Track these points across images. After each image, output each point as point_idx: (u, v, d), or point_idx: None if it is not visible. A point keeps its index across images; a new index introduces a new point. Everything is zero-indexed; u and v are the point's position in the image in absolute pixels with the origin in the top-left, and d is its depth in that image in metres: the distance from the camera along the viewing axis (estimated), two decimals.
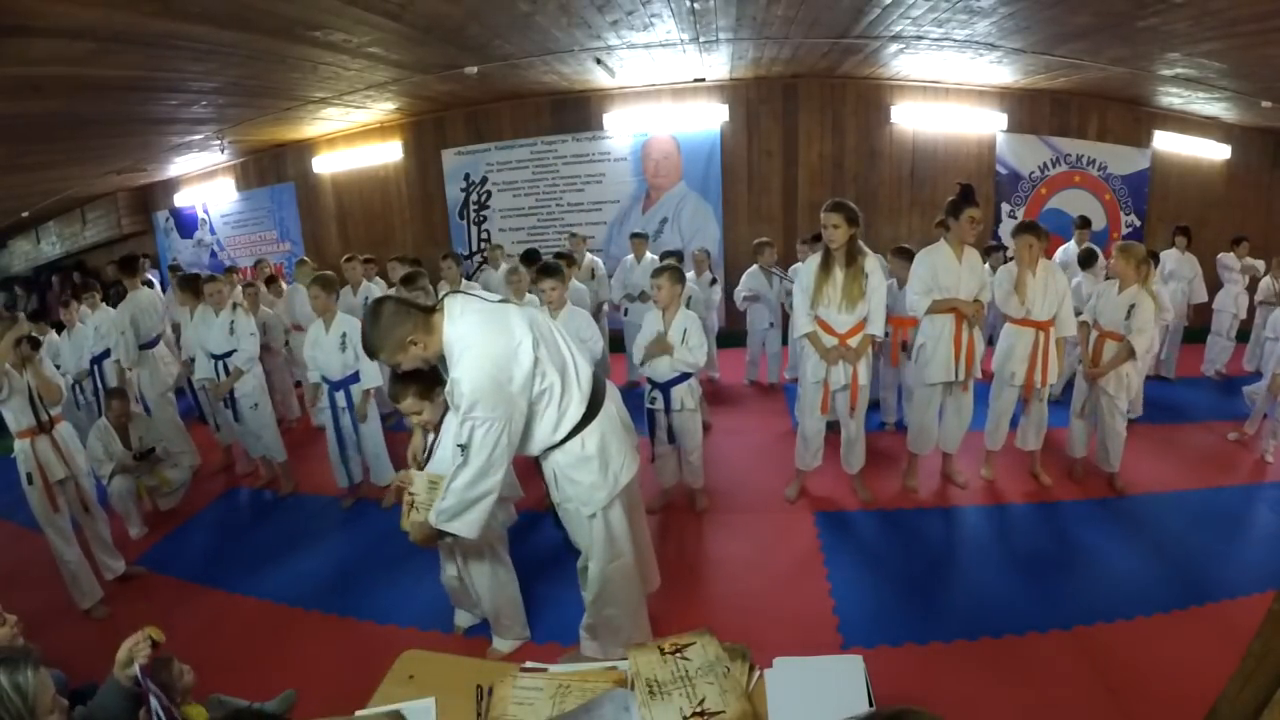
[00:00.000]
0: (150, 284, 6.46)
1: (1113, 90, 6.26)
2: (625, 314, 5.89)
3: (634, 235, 6.08)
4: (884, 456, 4.18)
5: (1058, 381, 4.10)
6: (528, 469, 2.52)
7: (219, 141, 6.78)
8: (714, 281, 5.97)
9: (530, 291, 4.14)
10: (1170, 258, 5.89)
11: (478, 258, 7.68)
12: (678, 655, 1.33)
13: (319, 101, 6.08)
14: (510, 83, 6.36)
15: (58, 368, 4.61)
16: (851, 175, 7.12)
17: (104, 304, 5.32)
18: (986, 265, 3.73)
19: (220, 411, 4.56)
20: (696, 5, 4.39)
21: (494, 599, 2.58)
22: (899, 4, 4.30)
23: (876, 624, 2.71)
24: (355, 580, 3.31)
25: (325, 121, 7.21)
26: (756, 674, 1.33)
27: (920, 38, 5.08)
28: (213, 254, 9.15)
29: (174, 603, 3.23)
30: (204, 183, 8.81)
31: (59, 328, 5.42)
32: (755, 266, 5.60)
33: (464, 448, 1.97)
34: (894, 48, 5.41)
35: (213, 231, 9.13)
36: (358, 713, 1.36)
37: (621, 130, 7.20)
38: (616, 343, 5.75)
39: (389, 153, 7.80)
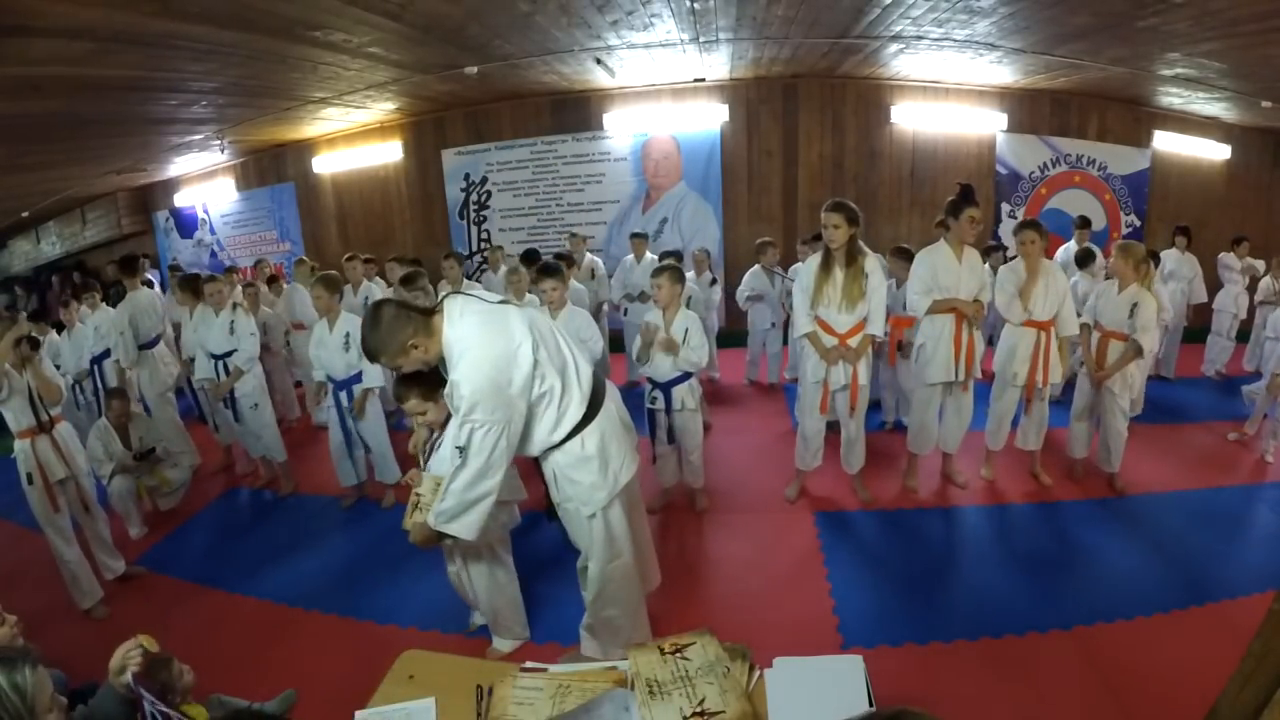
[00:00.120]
0: (150, 284, 6.46)
1: (1113, 90, 6.26)
2: (625, 314, 5.89)
3: (634, 235, 6.08)
4: (884, 456, 4.18)
5: (1060, 381, 4.10)
6: (528, 469, 2.52)
7: (219, 141, 6.78)
8: (714, 281, 5.97)
9: (530, 291, 4.14)
10: (1170, 258, 5.89)
11: (477, 259, 7.68)
12: (678, 655, 1.33)
13: (319, 101, 6.08)
14: (510, 83, 6.36)
15: (58, 368, 4.61)
16: (851, 175, 7.12)
17: (104, 304, 5.32)
18: (986, 265, 3.73)
19: (220, 411, 4.56)
20: (696, 5, 4.39)
21: (491, 599, 2.58)
22: (899, 4, 4.30)
23: (876, 624, 2.71)
24: (355, 580, 3.31)
25: (325, 121, 7.22)
26: (756, 674, 1.33)
27: (920, 38, 5.08)
28: (213, 254, 9.15)
29: (174, 603, 3.23)
30: (204, 183, 8.81)
31: (59, 328, 5.42)
32: (757, 266, 5.60)
33: (462, 450, 1.96)
34: (894, 48, 5.41)
35: (213, 231, 9.13)
36: (358, 713, 1.36)
37: (621, 130, 7.20)
38: (616, 343, 5.75)
39: (389, 153, 7.80)
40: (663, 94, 6.98)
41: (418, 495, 2.26)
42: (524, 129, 7.42)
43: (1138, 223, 7.07)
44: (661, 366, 3.45)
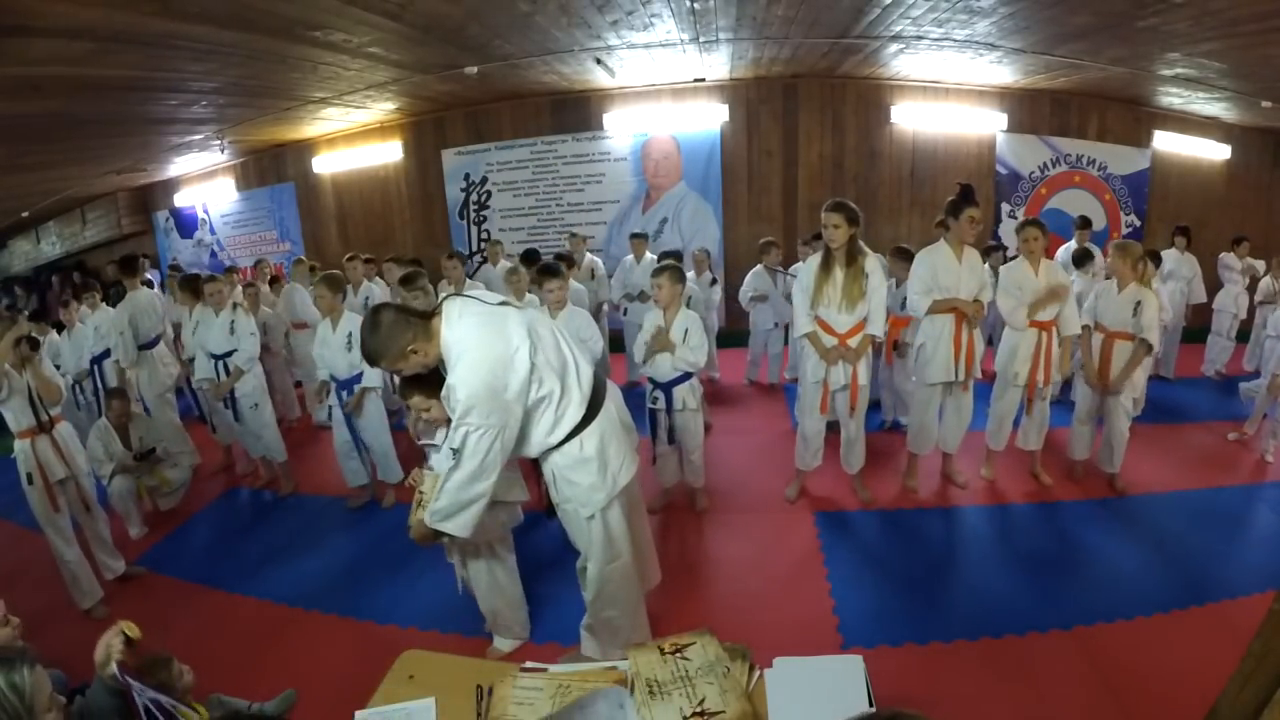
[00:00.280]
0: (150, 284, 6.46)
1: (1113, 90, 6.26)
2: (625, 314, 5.89)
3: (634, 235, 6.07)
4: (884, 456, 4.18)
5: (1059, 379, 4.10)
6: (529, 468, 2.52)
7: (219, 141, 6.78)
8: (714, 281, 5.97)
9: (530, 291, 4.13)
10: (1169, 258, 5.89)
11: (477, 257, 7.67)
12: (678, 655, 1.33)
13: (319, 101, 6.08)
14: (510, 83, 6.36)
15: (58, 368, 4.60)
16: (851, 175, 7.12)
17: (104, 304, 5.32)
18: (986, 265, 3.73)
19: (219, 412, 4.56)
20: (696, 5, 4.39)
21: (490, 599, 2.58)
22: (899, 4, 4.30)
23: (876, 624, 2.71)
24: (355, 580, 3.31)
25: (325, 121, 7.22)
26: (756, 674, 1.33)
27: (920, 38, 5.08)
28: (213, 254, 9.15)
29: (174, 603, 3.23)
30: (204, 183, 8.81)
31: (59, 328, 5.42)
32: (760, 266, 5.61)
33: (456, 452, 1.96)
34: (894, 48, 5.41)
35: (213, 231, 9.13)
36: (358, 713, 1.36)
37: (621, 130, 7.20)
38: (616, 343, 5.75)
39: (389, 153, 7.80)
40: (663, 94, 6.98)
41: (420, 493, 2.27)
42: (524, 129, 7.42)
43: (1138, 223, 7.06)
44: (662, 367, 3.45)
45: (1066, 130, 6.91)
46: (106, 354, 5.03)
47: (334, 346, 3.86)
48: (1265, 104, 5.66)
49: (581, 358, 2.20)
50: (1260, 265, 5.83)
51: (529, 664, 1.42)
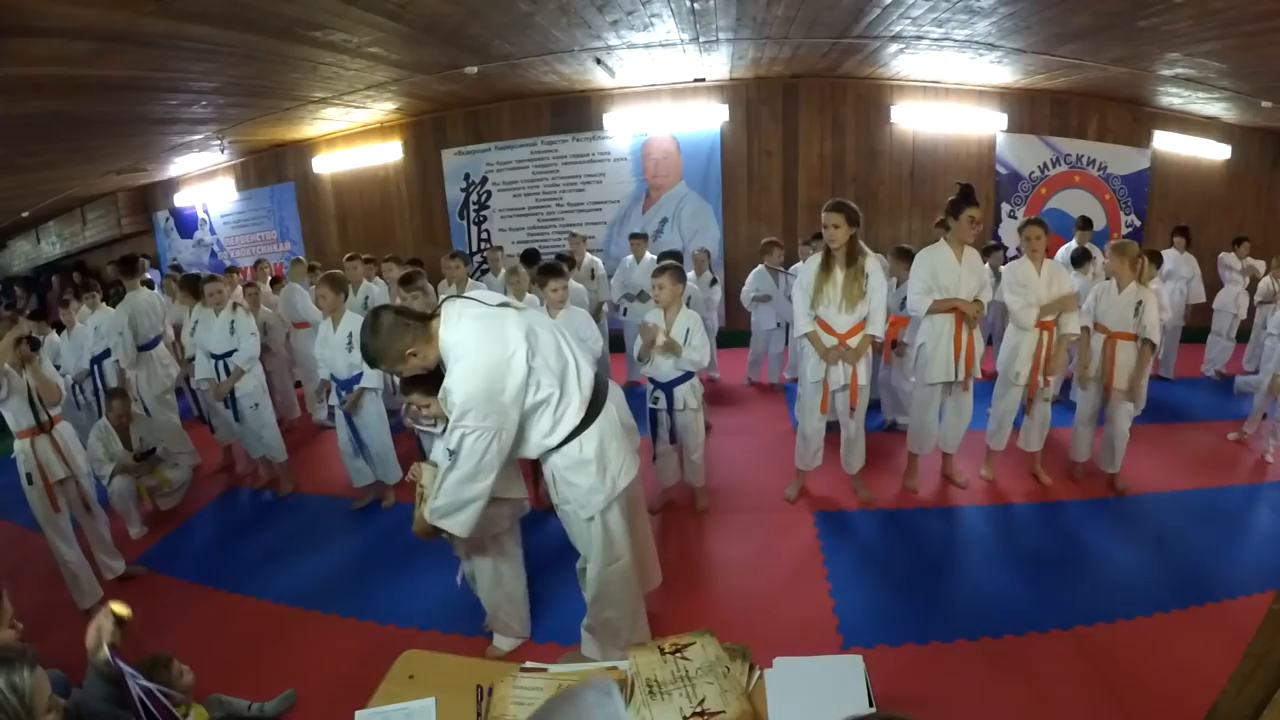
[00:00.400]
0: (150, 284, 6.46)
1: (1113, 90, 6.26)
2: (625, 314, 5.89)
3: (634, 235, 6.07)
4: (884, 456, 4.18)
5: (1057, 378, 4.10)
6: (528, 469, 2.52)
7: (219, 141, 6.78)
8: (714, 281, 5.97)
9: (530, 291, 4.13)
10: (1169, 257, 5.89)
11: (477, 259, 7.67)
12: (678, 655, 1.33)
13: (319, 101, 6.08)
14: (510, 83, 6.36)
15: (58, 368, 4.60)
16: (851, 175, 7.11)
17: (104, 304, 5.32)
18: (986, 265, 3.73)
19: (219, 412, 4.55)
20: (696, 5, 4.39)
21: (492, 595, 2.58)
22: (899, 4, 4.30)
23: (876, 624, 2.71)
24: (355, 580, 3.31)
25: (325, 121, 7.22)
26: (756, 674, 1.33)
27: (920, 38, 5.08)
28: (213, 254, 9.15)
29: (174, 603, 3.23)
30: (204, 183, 8.81)
31: (59, 328, 5.42)
32: (762, 266, 5.60)
33: (452, 453, 1.97)
34: (894, 48, 5.41)
35: (213, 231, 9.13)
36: (358, 713, 1.36)
37: (621, 130, 7.20)
38: (616, 343, 5.75)
39: (389, 153, 7.79)
40: (663, 94, 6.98)
41: (421, 488, 2.27)
42: (524, 129, 7.42)
43: (1138, 223, 7.06)
44: (663, 366, 3.45)
45: (1066, 130, 6.91)
46: (106, 354, 5.03)
47: (334, 346, 3.86)
48: (1265, 104, 5.66)
49: (583, 359, 2.19)
50: (1260, 265, 5.83)
51: (529, 664, 1.42)
